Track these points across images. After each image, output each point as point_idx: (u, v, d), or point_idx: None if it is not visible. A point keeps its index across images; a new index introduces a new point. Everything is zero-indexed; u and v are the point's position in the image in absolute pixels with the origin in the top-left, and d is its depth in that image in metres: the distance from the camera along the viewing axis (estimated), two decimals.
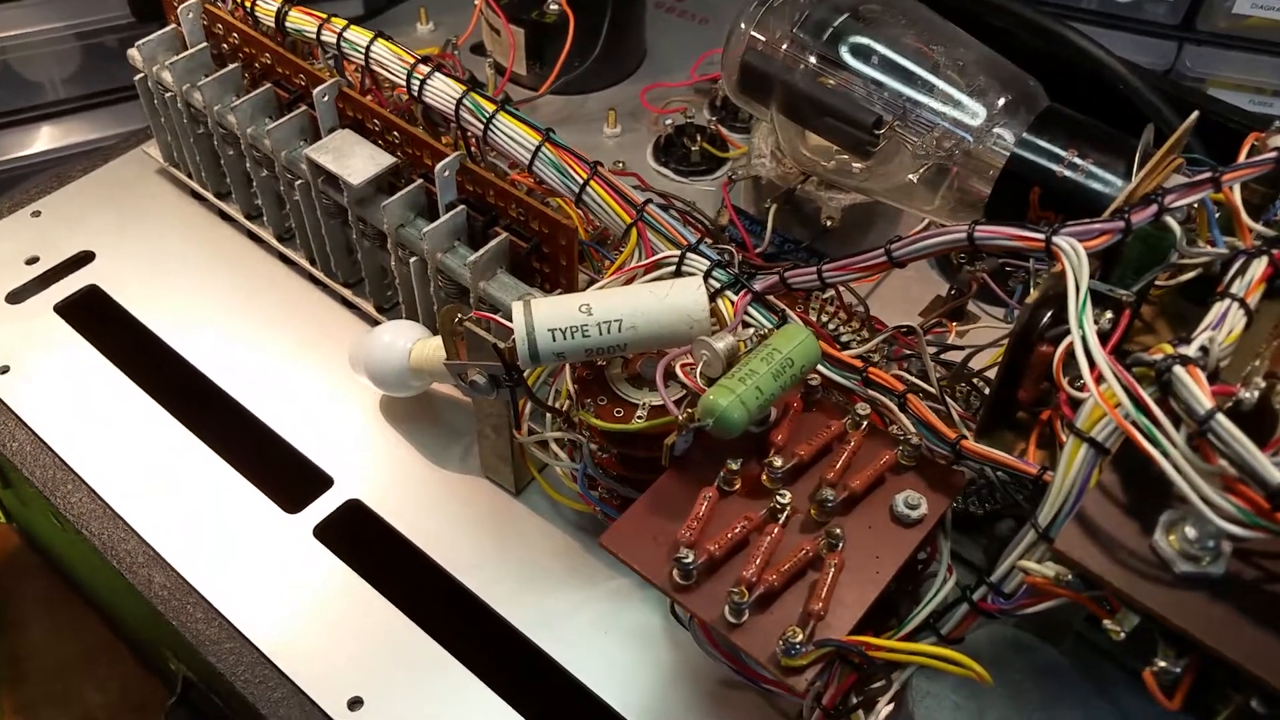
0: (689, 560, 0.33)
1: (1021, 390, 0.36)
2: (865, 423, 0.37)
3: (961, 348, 0.46)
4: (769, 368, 0.34)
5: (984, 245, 0.34)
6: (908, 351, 0.47)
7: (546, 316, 0.38)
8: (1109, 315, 0.34)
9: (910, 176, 0.46)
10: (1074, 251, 0.33)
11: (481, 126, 0.45)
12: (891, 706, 0.35)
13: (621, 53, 0.69)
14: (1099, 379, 0.31)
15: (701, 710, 0.41)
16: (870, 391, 0.38)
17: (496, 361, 0.41)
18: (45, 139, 0.97)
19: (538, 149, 0.44)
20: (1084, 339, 0.32)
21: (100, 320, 0.57)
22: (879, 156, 0.47)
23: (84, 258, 0.59)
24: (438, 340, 0.46)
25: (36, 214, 0.62)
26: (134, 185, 0.63)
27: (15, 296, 0.57)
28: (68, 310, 0.57)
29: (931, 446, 0.37)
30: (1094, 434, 0.31)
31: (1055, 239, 0.33)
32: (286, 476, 0.50)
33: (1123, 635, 0.29)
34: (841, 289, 0.49)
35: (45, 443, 0.51)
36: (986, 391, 0.44)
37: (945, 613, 0.36)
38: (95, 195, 0.63)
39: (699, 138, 0.62)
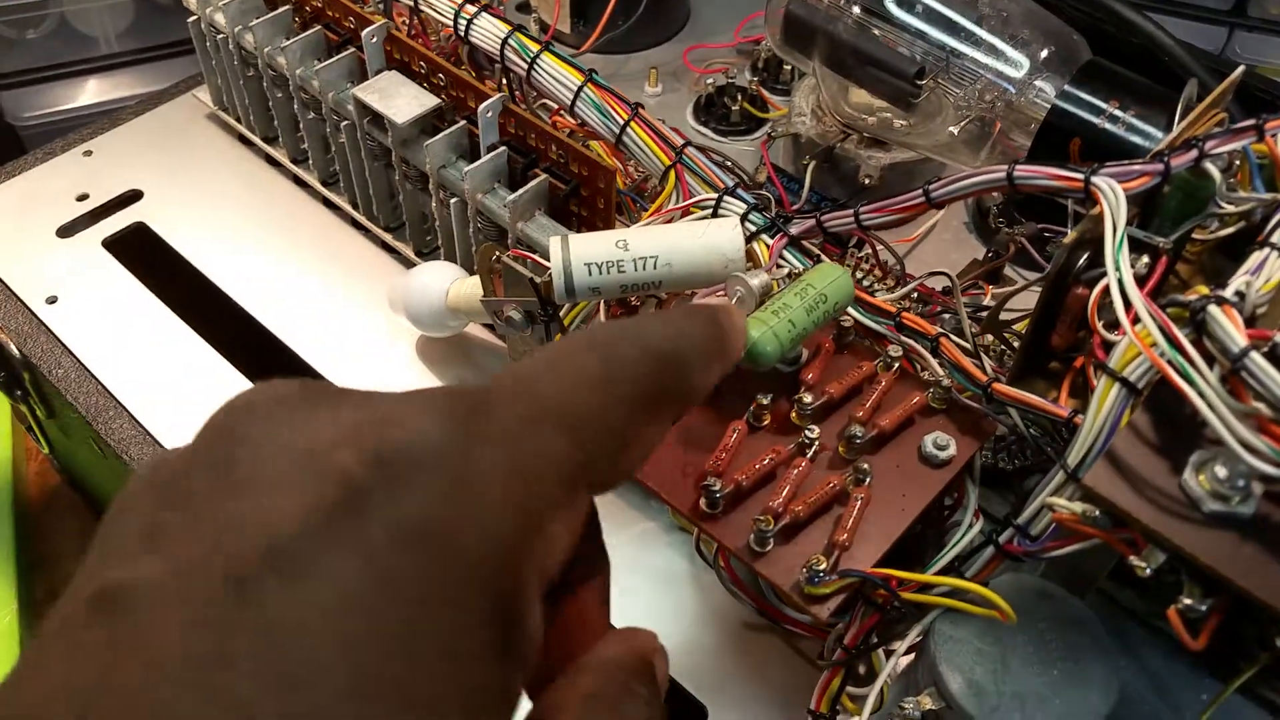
0: (716, 488, 0.33)
1: (1055, 335, 0.36)
2: (896, 365, 0.37)
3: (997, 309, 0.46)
4: (802, 302, 0.34)
5: (1023, 185, 0.34)
6: (941, 309, 0.47)
7: (583, 251, 0.39)
8: (1145, 260, 0.34)
9: (951, 129, 0.46)
10: (1112, 192, 0.33)
11: (526, 66, 0.45)
12: (912, 653, 0.36)
13: (665, 12, 0.69)
14: (1134, 319, 0.31)
15: (725, 651, 0.42)
16: (903, 336, 0.38)
17: (532, 297, 0.41)
18: (98, 91, 0.99)
19: (580, 88, 0.44)
20: (1120, 279, 0.32)
21: (146, 257, 0.58)
22: (921, 109, 0.46)
23: (132, 196, 0.61)
24: (475, 279, 0.46)
25: (88, 153, 0.63)
26: (184, 128, 0.65)
27: (65, 231, 0.59)
28: (115, 246, 0.58)
29: (963, 394, 0.37)
30: (1126, 374, 0.31)
31: (1094, 179, 0.33)
32: None
33: (1148, 572, 0.29)
34: (878, 247, 0.49)
35: (90, 370, 0.52)
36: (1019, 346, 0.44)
37: (969, 557, 0.36)
38: (145, 137, 0.64)
39: (740, 98, 0.62)
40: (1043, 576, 0.39)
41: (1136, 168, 0.33)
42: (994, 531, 0.35)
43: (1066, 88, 0.44)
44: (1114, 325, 0.33)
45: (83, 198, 0.60)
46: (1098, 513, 0.30)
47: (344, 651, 0.14)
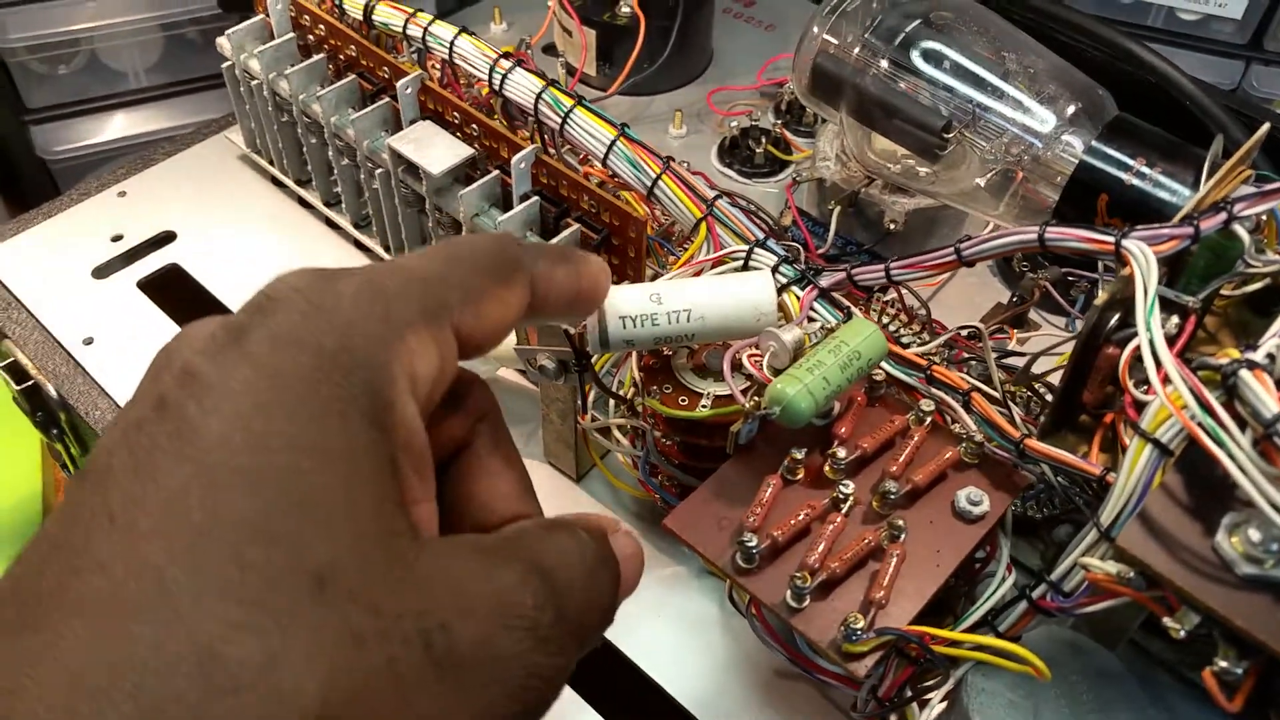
0: (753, 544, 0.34)
1: (1086, 392, 0.36)
2: (929, 419, 0.38)
3: (1022, 354, 0.47)
4: (836, 359, 0.35)
5: (1054, 246, 0.35)
6: (968, 355, 0.47)
7: (618, 304, 0.39)
8: (1175, 320, 0.35)
9: (978, 181, 0.46)
10: (1143, 255, 0.33)
11: (559, 120, 0.46)
12: (945, 702, 0.36)
13: (689, 56, 0.70)
14: (1165, 380, 0.31)
15: (755, 698, 0.42)
16: (933, 390, 0.39)
17: (566, 347, 0.42)
18: (127, 125, 1.00)
19: (613, 143, 0.45)
20: (1151, 341, 0.32)
21: (180, 297, 0.59)
22: (947, 160, 0.47)
23: (166, 237, 0.62)
24: None
25: (122, 194, 0.64)
26: (216, 170, 0.66)
27: (100, 272, 0.60)
28: (150, 287, 0.59)
29: (994, 446, 0.37)
30: (1158, 435, 0.32)
31: (1125, 242, 0.34)
32: None
33: (1183, 634, 0.30)
34: (903, 292, 0.50)
35: None
36: (1047, 397, 0.45)
37: (1002, 611, 0.36)
38: (178, 178, 0.65)
39: (763, 140, 0.63)
40: (1074, 628, 0.39)
41: (1166, 231, 0.34)
42: (1027, 586, 0.35)
43: (1093, 144, 0.44)
44: (1145, 383, 0.34)
45: (117, 238, 0.62)
46: (1132, 573, 0.31)
47: (245, 433, 0.18)
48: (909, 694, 0.36)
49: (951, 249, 0.37)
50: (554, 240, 0.46)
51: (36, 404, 0.57)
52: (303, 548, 0.18)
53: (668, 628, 0.44)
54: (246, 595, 0.17)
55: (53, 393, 0.55)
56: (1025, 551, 0.43)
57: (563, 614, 0.21)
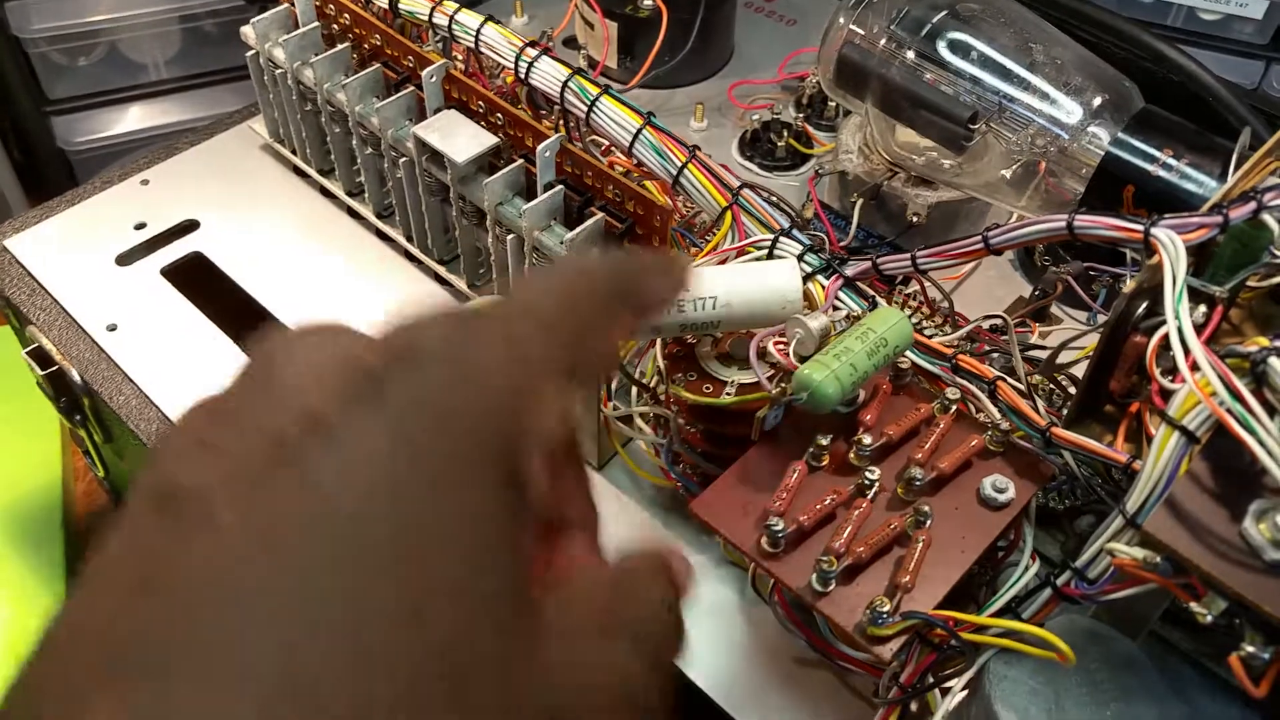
0: (779, 528, 0.34)
1: (1113, 380, 0.36)
2: (954, 407, 0.38)
3: (1044, 347, 0.47)
4: (863, 346, 0.35)
5: (1083, 234, 0.35)
6: (990, 348, 0.47)
7: None
8: (1203, 309, 0.35)
9: (1002, 173, 0.46)
10: (1172, 243, 0.33)
11: (585, 108, 0.46)
12: (966, 690, 0.36)
13: (711, 49, 0.70)
14: (1194, 366, 0.31)
15: (776, 685, 0.42)
16: (959, 378, 0.39)
17: None
18: (146, 117, 1.01)
19: (639, 131, 0.45)
20: (1179, 327, 0.32)
21: (204, 285, 0.59)
22: (972, 152, 0.47)
23: (189, 225, 0.62)
24: None
25: (145, 182, 0.65)
26: (239, 159, 0.66)
27: (124, 259, 0.60)
28: (173, 274, 0.60)
29: (1019, 436, 0.37)
30: (1185, 422, 0.32)
31: (1154, 230, 0.34)
32: None
33: (1209, 619, 0.30)
34: (925, 284, 0.50)
35: (150, 398, 0.53)
36: (1071, 390, 0.45)
37: (1026, 599, 0.36)
38: (201, 167, 0.66)
39: (785, 133, 0.63)
40: (1093, 617, 0.39)
41: (1195, 220, 0.34)
42: (1051, 574, 0.36)
43: (1120, 135, 0.45)
44: (1172, 372, 0.34)
45: (140, 226, 0.62)
46: (1158, 559, 0.31)
47: (379, 500, 0.16)
48: (930, 681, 0.36)
49: (979, 237, 0.37)
50: (577, 231, 0.46)
51: (60, 390, 0.57)
52: (443, 643, 0.16)
53: (688, 615, 0.44)
54: (380, 692, 0.15)
55: (76, 378, 0.56)
56: (1045, 543, 0.43)
57: (658, 666, 0.21)
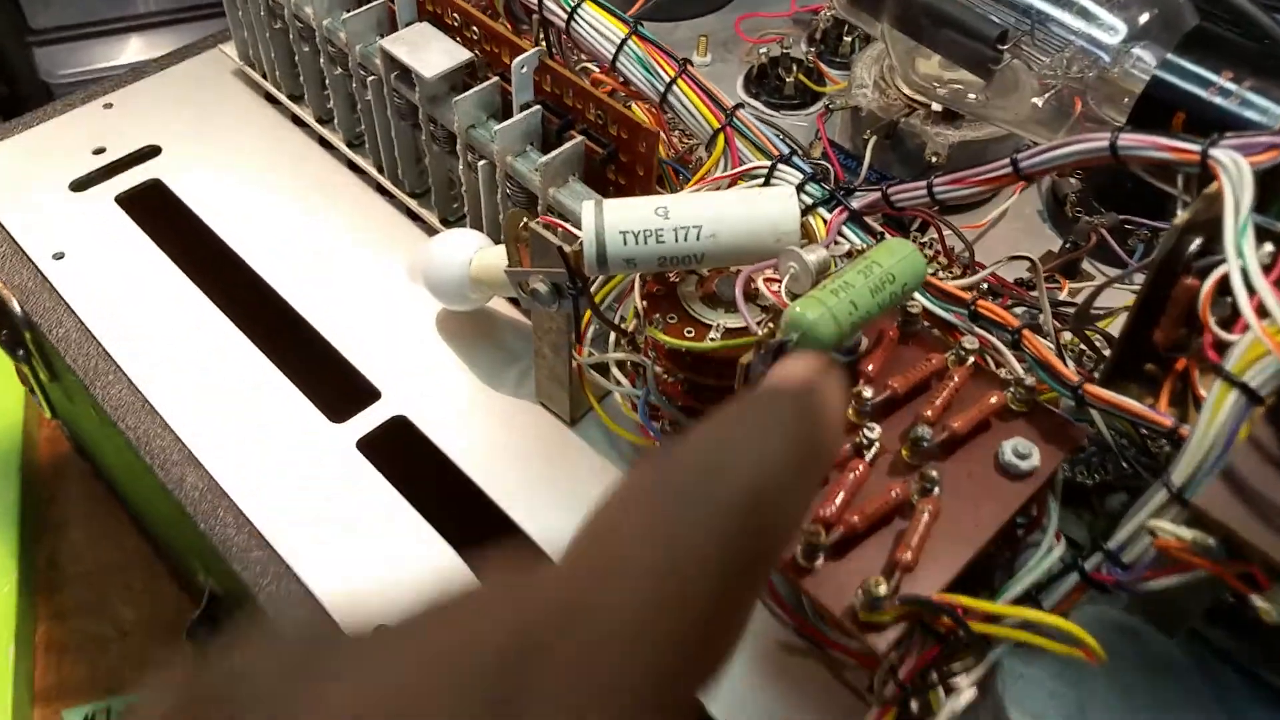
0: None
1: (1159, 331, 0.31)
2: (971, 359, 0.32)
3: (1074, 304, 0.41)
4: (866, 281, 0.30)
5: (1128, 156, 0.29)
6: (1014, 301, 0.42)
7: (619, 218, 0.34)
8: (1269, 247, 0.29)
9: (1035, 101, 0.41)
10: (1235, 166, 0.28)
11: (566, 16, 0.41)
12: (975, 689, 0.31)
13: None
14: (1260, 311, 0.26)
15: (759, 676, 0.37)
16: (977, 328, 0.34)
17: (561, 268, 0.37)
18: (133, 51, 0.96)
19: (624, 41, 0.40)
20: (1244, 266, 0.27)
21: (160, 215, 0.55)
22: (1000, 78, 0.42)
23: (150, 151, 0.58)
24: (500, 249, 0.42)
25: (109, 105, 0.60)
26: (208, 84, 0.61)
27: (79, 185, 0.56)
28: (128, 202, 0.55)
29: (1044, 393, 0.32)
30: (1247, 379, 0.26)
31: (1213, 151, 0.28)
32: (334, 386, 0.47)
33: (1275, 616, 0.25)
34: (944, 231, 0.45)
35: (91, 332, 0.49)
36: (1105, 353, 0.40)
37: (1048, 585, 0.31)
38: (168, 91, 0.61)
39: (795, 69, 0.58)
40: (1127, 610, 0.34)
41: (1265, 139, 0.29)
42: (1079, 557, 0.30)
43: (1169, 57, 0.39)
44: (1228, 322, 0.29)
45: (99, 151, 0.57)
46: (1211, 541, 0.26)
47: None
48: (934, 677, 0.31)
49: (1007, 161, 0.32)
50: (552, 155, 0.41)
51: (2, 322, 0.53)
52: None
53: None
54: None
55: (17, 309, 0.51)
56: (1070, 524, 0.38)
57: None
